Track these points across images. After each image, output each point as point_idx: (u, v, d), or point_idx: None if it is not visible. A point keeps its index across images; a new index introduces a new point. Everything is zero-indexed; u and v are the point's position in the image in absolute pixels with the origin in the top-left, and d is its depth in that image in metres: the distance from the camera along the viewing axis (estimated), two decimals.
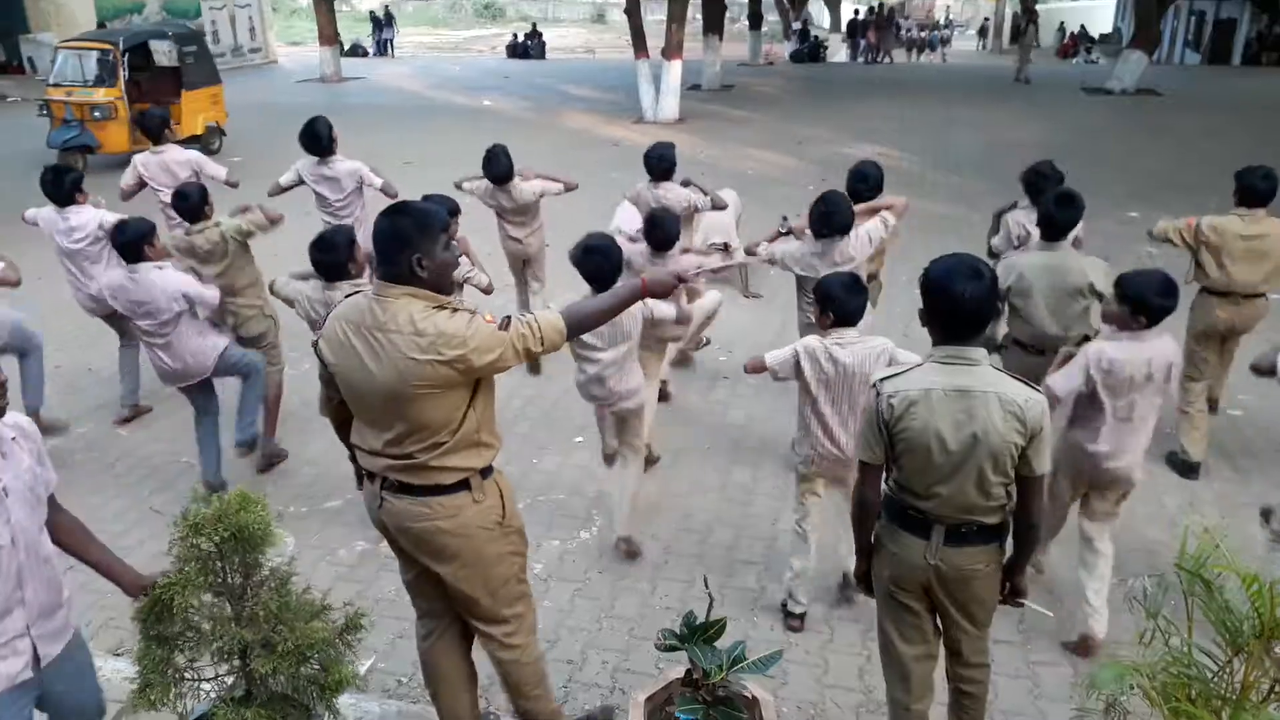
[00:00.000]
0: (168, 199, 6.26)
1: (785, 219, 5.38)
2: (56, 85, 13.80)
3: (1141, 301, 3.60)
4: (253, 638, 2.43)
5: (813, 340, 3.81)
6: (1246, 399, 5.98)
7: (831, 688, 3.71)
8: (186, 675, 2.52)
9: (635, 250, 5.05)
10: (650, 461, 5.24)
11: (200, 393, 5.14)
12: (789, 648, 3.88)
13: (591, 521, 4.89)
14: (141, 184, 6.90)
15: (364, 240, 4.43)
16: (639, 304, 3.90)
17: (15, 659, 2.51)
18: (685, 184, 6.36)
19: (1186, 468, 5.25)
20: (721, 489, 5.23)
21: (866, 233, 4.95)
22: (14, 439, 2.58)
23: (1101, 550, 3.91)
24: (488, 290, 5.30)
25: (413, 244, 2.61)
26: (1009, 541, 2.82)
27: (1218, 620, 2.59)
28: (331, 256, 4.39)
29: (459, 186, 6.59)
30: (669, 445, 5.59)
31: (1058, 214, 4.49)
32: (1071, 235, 4.65)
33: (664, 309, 4.34)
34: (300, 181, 6.63)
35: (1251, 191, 5.07)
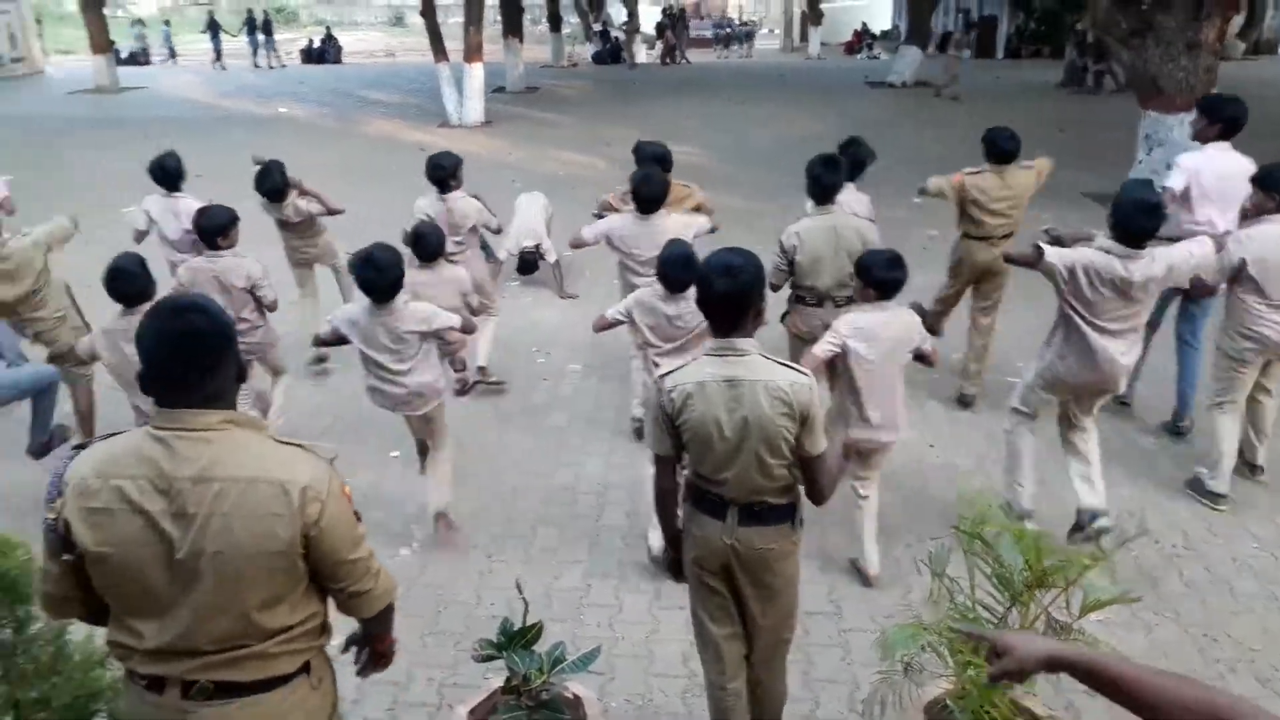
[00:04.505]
0: None
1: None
2: None
3: (875, 279, 4.02)
4: (24, 696, 2.23)
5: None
6: (1022, 365, 6.51)
7: (658, 676, 3.78)
8: None
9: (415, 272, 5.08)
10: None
11: None
12: (616, 642, 3.94)
13: (411, 537, 4.77)
14: None
15: None
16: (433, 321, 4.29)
17: None
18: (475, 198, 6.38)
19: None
20: (545, 491, 5.23)
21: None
22: None
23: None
24: (272, 307, 5.31)
25: (227, 349, 2.02)
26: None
27: (994, 574, 2.83)
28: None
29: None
30: (489, 450, 5.54)
31: (824, 176, 4.90)
32: (840, 198, 5.08)
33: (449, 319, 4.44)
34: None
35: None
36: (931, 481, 5.17)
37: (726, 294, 2.71)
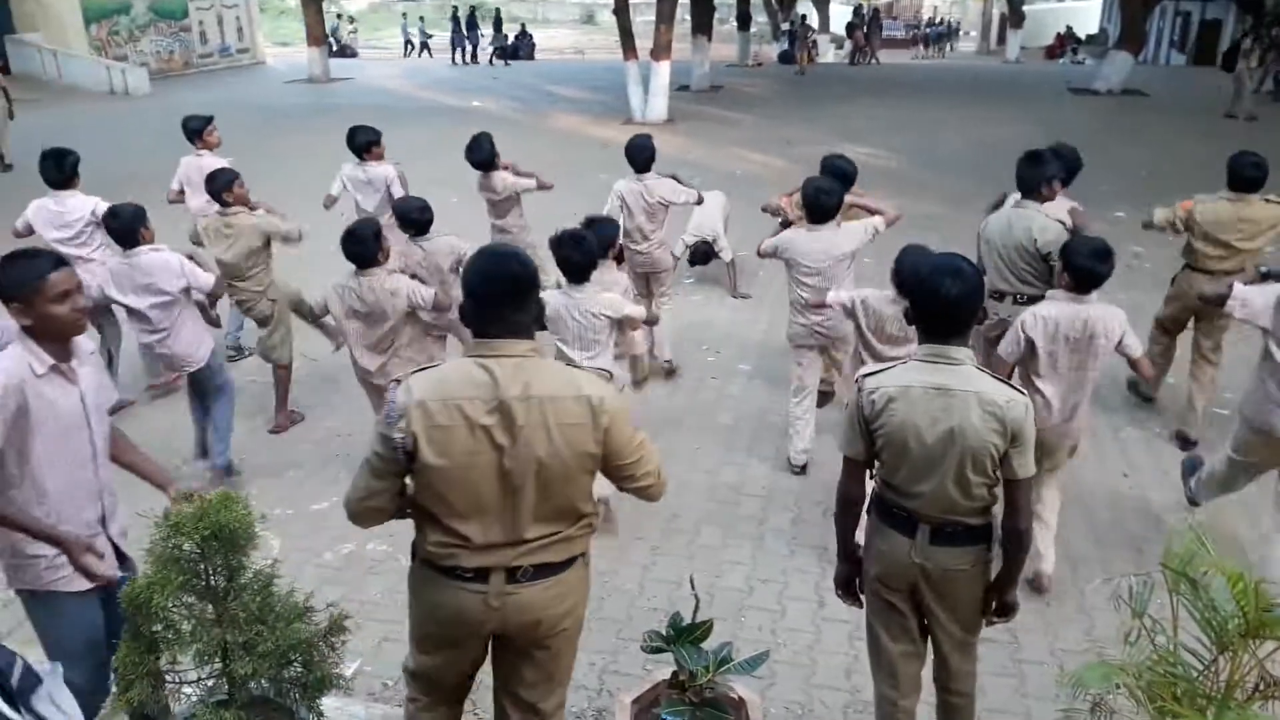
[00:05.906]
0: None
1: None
2: None
3: (1074, 265, 3.86)
4: (233, 640, 2.41)
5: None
6: (1231, 397, 6.00)
7: (819, 688, 3.71)
8: (168, 677, 2.49)
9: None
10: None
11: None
12: (777, 649, 3.88)
13: None
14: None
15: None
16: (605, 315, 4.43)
17: (109, 558, 2.80)
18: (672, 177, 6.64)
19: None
20: (710, 490, 5.22)
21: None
22: (92, 353, 2.85)
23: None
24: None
25: (535, 291, 2.40)
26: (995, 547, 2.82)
27: (1203, 619, 2.59)
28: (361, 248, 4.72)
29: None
30: (657, 444, 5.57)
31: (1021, 170, 4.80)
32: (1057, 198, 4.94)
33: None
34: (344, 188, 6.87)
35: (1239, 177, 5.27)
36: (1125, 514, 4.85)
37: (960, 297, 2.57)
